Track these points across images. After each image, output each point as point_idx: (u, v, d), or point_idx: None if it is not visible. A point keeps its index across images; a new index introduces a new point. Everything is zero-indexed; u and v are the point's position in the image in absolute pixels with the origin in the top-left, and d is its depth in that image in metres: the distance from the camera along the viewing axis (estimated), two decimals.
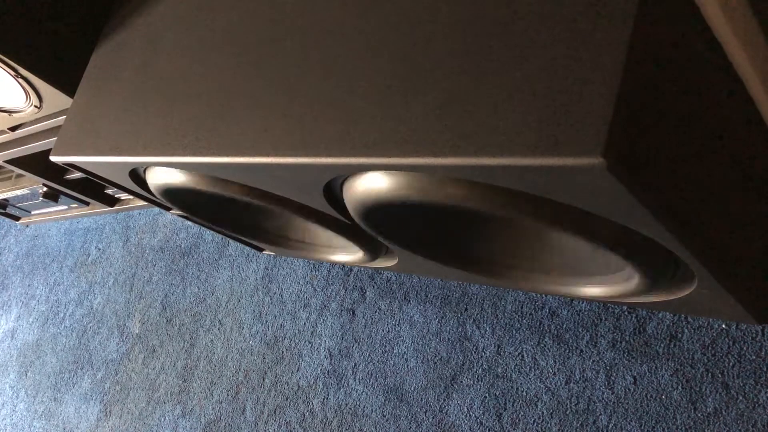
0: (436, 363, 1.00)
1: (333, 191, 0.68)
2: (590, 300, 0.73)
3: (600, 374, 0.84)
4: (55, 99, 0.98)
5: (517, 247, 0.75)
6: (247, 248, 1.38)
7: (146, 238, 1.67)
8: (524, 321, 0.93)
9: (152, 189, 0.86)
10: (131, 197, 1.46)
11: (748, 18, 0.49)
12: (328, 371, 1.13)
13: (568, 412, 0.85)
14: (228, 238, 1.26)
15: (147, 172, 0.84)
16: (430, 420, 0.97)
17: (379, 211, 0.63)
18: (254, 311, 1.31)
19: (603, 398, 0.83)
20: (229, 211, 0.99)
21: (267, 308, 1.29)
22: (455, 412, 0.95)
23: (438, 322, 1.02)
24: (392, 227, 0.73)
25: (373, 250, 0.90)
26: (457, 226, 0.76)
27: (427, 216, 0.72)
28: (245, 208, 0.95)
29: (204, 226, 1.11)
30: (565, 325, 0.89)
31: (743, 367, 0.75)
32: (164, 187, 0.83)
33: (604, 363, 0.84)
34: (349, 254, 0.95)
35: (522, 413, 0.89)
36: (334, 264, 1.21)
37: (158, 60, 0.81)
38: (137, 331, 1.55)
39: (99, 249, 1.79)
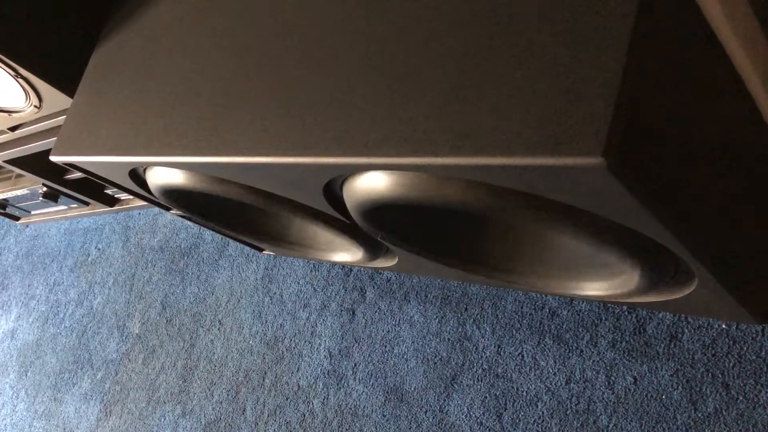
0: (436, 363, 1.00)
1: (333, 191, 0.67)
2: (591, 299, 0.73)
3: (600, 374, 0.84)
4: (55, 99, 0.98)
5: (517, 247, 0.75)
6: (247, 248, 1.38)
7: (146, 238, 1.67)
8: (524, 321, 0.93)
9: (152, 189, 0.86)
10: (131, 197, 1.46)
11: (749, 18, 0.49)
12: (328, 371, 1.13)
13: (568, 412, 0.85)
14: (228, 238, 1.26)
15: (147, 172, 0.84)
16: (431, 420, 0.97)
17: (378, 210, 0.63)
18: (254, 311, 1.31)
19: (603, 398, 0.83)
20: (229, 211, 0.99)
21: (267, 308, 1.29)
22: (455, 412, 0.95)
23: (438, 322, 1.02)
24: (392, 227, 0.73)
25: (373, 249, 0.90)
26: (458, 225, 0.76)
27: (427, 215, 0.72)
28: (245, 207, 0.95)
29: (204, 226, 1.11)
30: (565, 325, 0.89)
31: (743, 367, 0.75)
32: (164, 188, 0.83)
33: (605, 363, 0.84)
34: (349, 254, 0.95)
35: (522, 413, 0.89)
36: (334, 264, 1.21)
37: (158, 60, 0.80)
38: (137, 331, 1.55)
39: (99, 249, 1.79)
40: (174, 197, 0.88)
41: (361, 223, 0.70)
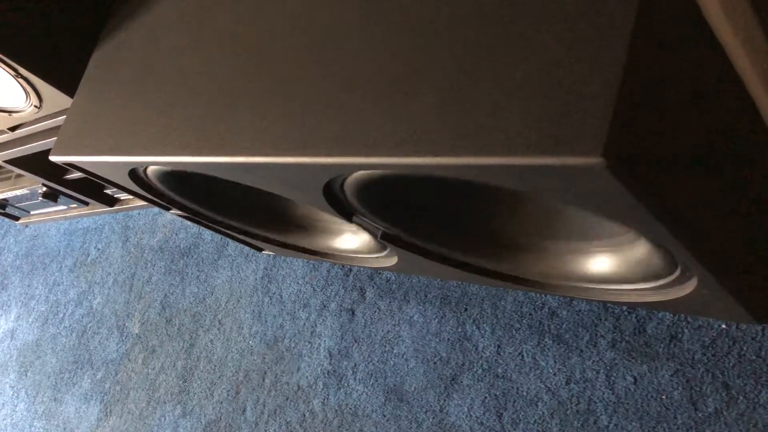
0: (436, 363, 1.00)
1: (333, 191, 0.68)
2: (595, 289, 0.73)
3: (600, 374, 0.84)
4: (55, 99, 0.98)
5: (520, 227, 0.75)
6: (247, 248, 1.38)
7: (145, 238, 1.67)
8: (524, 321, 0.93)
9: (151, 176, 0.86)
10: (131, 197, 1.46)
11: (749, 18, 0.49)
12: (328, 371, 1.13)
13: (568, 412, 0.85)
14: (227, 238, 1.26)
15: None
16: (431, 420, 0.97)
17: (378, 189, 0.63)
18: (254, 311, 1.31)
19: (603, 398, 0.83)
20: (231, 197, 0.98)
21: (266, 308, 1.29)
22: (455, 412, 0.95)
23: (438, 322, 1.02)
24: (393, 211, 0.73)
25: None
26: (460, 206, 0.76)
27: (428, 196, 0.72)
28: (248, 190, 0.94)
29: (205, 224, 1.11)
30: (565, 325, 0.89)
31: (744, 367, 0.75)
32: (165, 169, 0.82)
33: (605, 363, 0.84)
34: (354, 237, 0.95)
35: (522, 413, 0.89)
36: (334, 262, 1.21)
37: (158, 60, 0.81)
38: (137, 331, 1.55)
39: (98, 249, 1.79)
40: (174, 182, 0.87)
41: (362, 210, 0.70)
